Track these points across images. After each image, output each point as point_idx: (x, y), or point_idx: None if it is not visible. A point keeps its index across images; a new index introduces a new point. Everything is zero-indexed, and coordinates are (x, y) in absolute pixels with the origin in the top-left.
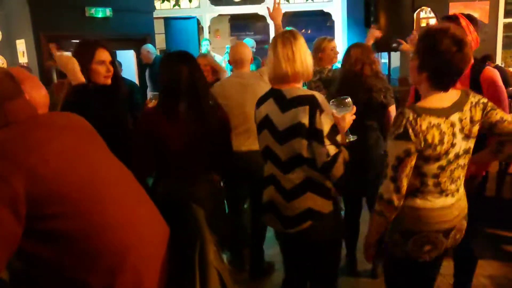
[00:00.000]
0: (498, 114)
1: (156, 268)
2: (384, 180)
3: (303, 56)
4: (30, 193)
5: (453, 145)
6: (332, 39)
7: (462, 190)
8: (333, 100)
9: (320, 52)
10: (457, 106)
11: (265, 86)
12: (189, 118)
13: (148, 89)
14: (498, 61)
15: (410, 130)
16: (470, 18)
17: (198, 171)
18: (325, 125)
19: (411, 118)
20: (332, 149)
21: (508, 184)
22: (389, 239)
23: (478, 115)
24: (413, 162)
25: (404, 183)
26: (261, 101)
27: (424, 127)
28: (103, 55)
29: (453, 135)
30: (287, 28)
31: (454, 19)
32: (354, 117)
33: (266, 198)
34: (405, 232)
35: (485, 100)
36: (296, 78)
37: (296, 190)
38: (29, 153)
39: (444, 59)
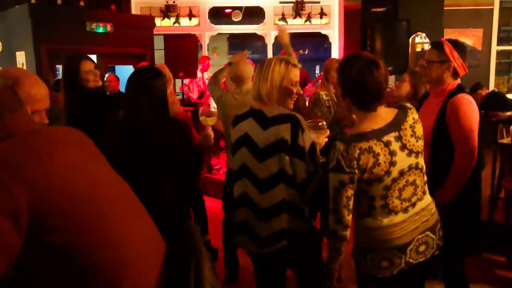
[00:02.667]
0: None
1: (153, 284)
2: (329, 212)
3: (275, 81)
4: (32, 206)
5: (392, 163)
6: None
7: (422, 204)
8: (309, 121)
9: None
10: (393, 126)
11: None
12: (151, 128)
13: None
14: (492, 87)
15: (342, 162)
16: (455, 44)
17: (161, 181)
18: (307, 143)
19: (341, 149)
20: (311, 167)
21: (500, 208)
22: (354, 257)
23: (420, 131)
24: (350, 192)
25: (344, 213)
26: (239, 119)
27: (355, 154)
28: (88, 65)
29: (391, 153)
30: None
31: (439, 45)
32: (326, 139)
33: (238, 219)
34: (363, 251)
35: None
36: (271, 100)
37: (272, 209)
38: (32, 165)
39: (357, 82)
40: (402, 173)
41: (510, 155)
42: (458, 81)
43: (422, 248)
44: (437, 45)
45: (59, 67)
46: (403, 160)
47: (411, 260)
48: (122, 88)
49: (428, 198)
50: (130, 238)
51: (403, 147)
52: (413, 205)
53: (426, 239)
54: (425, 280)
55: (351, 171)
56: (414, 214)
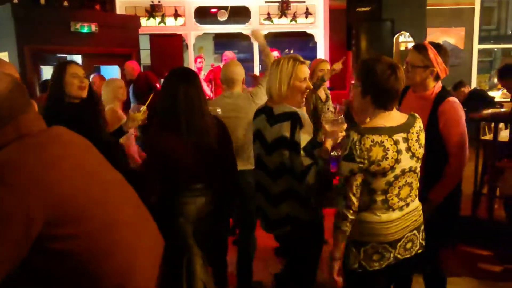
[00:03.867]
0: None
1: (154, 283)
2: (339, 196)
3: (283, 80)
4: (45, 213)
5: (398, 160)
6: (324, 60)
7: (414, 205)
8: (326, 115)
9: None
10: (403, 128)
11: (255, 108)
12: (191, 133)
13: (132, 105)
14: (474, 85)
15: (354, 151)
16: (438, 47)
17: (201, 185)
18: (303, 139)
19: (355, 139)
20: (306, 160)
21: (483, 204)
22: (345, 249)
23: (423, 140)
24: (358, 181)
25: (353, 200)
26: (256, 115)
27: (367, 145)
28: (75, 68)
29: (398, 152)
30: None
31: (422, 48)
32: (343, 133)
33: (258, 203)
34: (357, 243)
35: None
36: (280, 98)
37: (280, 196)
38: (45, 171)
39: (382, 81)
40: (403, 172)
41: (492, 151)
42: (440, 83)
43: (409, 245)
44: (420, 49)
45: (43, 68)
46: (406, 161)
47: (398, 256)
48: None
49: (417, 201)
50: (138, 243)
51: (408, 149)
52: (407, 205)
53: (413, 238)
54: (410, 276)
55: (361, 161)
56: (407, 213)
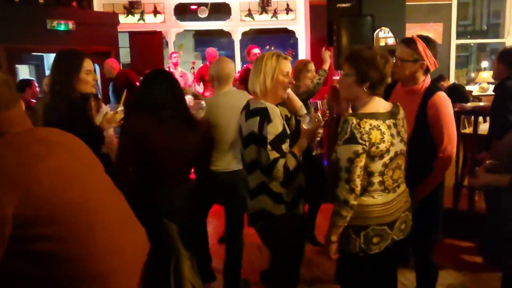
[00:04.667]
0: None
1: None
2: (340, 182)
3: (267, 74)
4: (19, 213)
5: (392, 144)
6: (309, 61)
7: (403, 187)
8: (304, 114)
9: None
10: (391, 114)
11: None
12: (177, 126)
13: (111, 103)
14: (452, 79)
15: (356, 133)
16: (427, 40)
17: (180, 179)
18: (270, 133)
19: (355, 123)
20: (273, 154)
21: (464, 196)
22: (342, 236)
23: (406, 127)
24: (363, 163)
25: (357, 183)
26: (241, 111)
27: (367, 128)
28: (89, 64)
29: (392, 135)
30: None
31: (411, 41)
32: (321, 131)
33: (244, 196)
34: (356, 228)
35: None
36: (264, 93)
37: (255, 190)
38: (22, 170)
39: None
40: (396, 154)
41: (472, 144)
42: (429, 78)
43: (403, 226)
44: (409, 43)
45: (19, 67)
46: (397, 144)
47: (395, 237)
48: None
49: (405, 184)
50: (118, 247)
51: (398, 133)
52: (399, 186)
53: (406, 219)
54: (401, 257)
55: (364, 142)
56: (399, 194)
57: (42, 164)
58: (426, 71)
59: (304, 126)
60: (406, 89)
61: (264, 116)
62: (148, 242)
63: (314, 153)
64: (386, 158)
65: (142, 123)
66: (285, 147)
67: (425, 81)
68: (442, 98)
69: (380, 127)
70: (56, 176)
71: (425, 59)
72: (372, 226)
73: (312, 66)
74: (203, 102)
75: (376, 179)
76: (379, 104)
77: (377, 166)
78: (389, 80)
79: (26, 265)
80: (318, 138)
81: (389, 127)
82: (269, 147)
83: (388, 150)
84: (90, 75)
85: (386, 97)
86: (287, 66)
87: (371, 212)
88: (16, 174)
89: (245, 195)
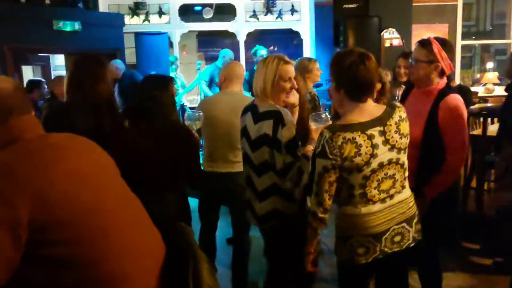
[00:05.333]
0: None
1: None
2: (312, 195)
3: (268, 78)
4: (33, 218)
5: (373, 155)
6: (314, 60)
7: (400, 197)
8: (312, 114)
9: (307, 73)
10: (378, 121)
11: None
12: (156, 135)
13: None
14: (458, 80)
15: (327, 148)
16: (443, 43)
17: (163, 189)
18: (285, 137)
19: (327, 137)
20: (287, 158)
21: (472, 198)
22: (334, 244)
23: (406, 129)
24: (332, 178)
25: (325, 197)
26: (244, 112)
27: (339, 143)
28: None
29: (373, 146)
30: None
31: (427, 43)
32: None
33: (246, 197)
34: (342, 237)
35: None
36: (265, 96)
37: (265, 192)
38: (35, 176)
39: (350, 73)
40: (381, 165)
41: (481, 146)
42: (445, 80)
43: (397, 238)
44: (425, 44)
45: (24, 68)
46: (384, 154)
47: (386, 249)
48: None
49: (407, 192)
50: (132, 251)
51: (386, 141)
52: (391, 197)
53: (402, 230)
54: (405, 271)
55: (334, 158)
56: (391, 206)
57: (54, 169)
58: (441, 73)
59: (313, 125)
60: (420, 91)
61: (278, 119)
62: (164, 246)
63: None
64: (367, 171)
65: (125, 134)
66: (298, 150)
67: (439, 83)
68: (454, 100)
69: (356, 140)
70: (69, 180)
71: (440, 61)
72: (355, 236)
73: (316, 65)
74: (200, 113)
75: (357, 192)
76: (363, 112)
77: (356, 179)
78: (378, 85)
79: (40, 271)
80: None
81: (370, 137)
82: (284, 151)
83: (367, 163)
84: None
85: (403, 99)
86: (288, 71)
87: (353, 222)
88: (29, 179)
89: (248, 198)
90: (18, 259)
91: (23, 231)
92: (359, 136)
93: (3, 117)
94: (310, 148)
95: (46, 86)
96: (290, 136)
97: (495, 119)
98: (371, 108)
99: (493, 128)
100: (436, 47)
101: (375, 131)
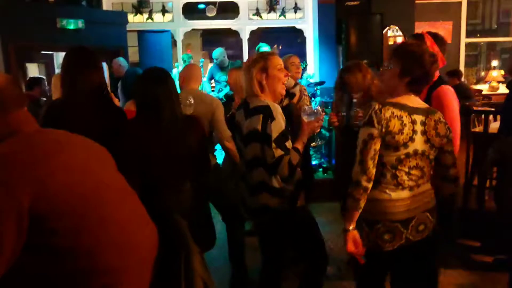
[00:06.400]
0: (450, 146)
1: (147, 284)
2: (355, 164)
3: (255, 79)
4: (33, 207)
5: (412, 139)
6: (292, 55)
7: (425, 187)
8: (305, 107)
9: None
10: (422, 111)
11: None
12: (168, 128)
13: (120, 103)
14: (462, 78)
15: (374, 117)
16: (435, 37)
17: (179, 180)
18: (274, 131)
19: (376, 108)
20: (278, 152)
21: (474, 195)
22: (359, 229)
23: (443, 131)
24: (377, 146)
25: (370, 165)
26: (237, 108)
27: (387, 115)
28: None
29: (413, 131)
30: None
31: (420, 37)
32: (321, 124)
33: (240, 192)
34: (369, 222)
35: (450, 128)
36: (262, 95)
37: (256, 187)
38: (37, 165)
39: (425, 68)
40: (415, 153)
41: (483, 143)
42: (438, 73)
43: (421, 227)
44: (418, 37)
45: (28, 66)
46: (420, 142)
47: (410, 237)
48: None
49: (429, 185)
50: (130, 243)
51: (424, 132)
52: (418, 186)
53: (425, 220)
54: (431, 260)
55: (379, 127)
56: (418, 194)
57: (55, 160)
58: None
59: (305, 119)
60: None
61: (267, 114)
62: (158, 239)
63: (313, 145)
64: (402, 152)
65: (135, 129)
66: (288, 143)
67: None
68: (445, 91)
69: (403, 118)
70: (69, 171)
71: None
72: (382, 221)
73: (294, 59)
74: (191, 99)
75: (389, 172)
76: (413, 100)
77: (391, 158)
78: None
79: (38, 260)
80: (318, 130)
81: (413, 121)
82: (273, 145)
83: (405, 144)
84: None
85: None
86: (278, 61)
87: (382, 207)
88: (30, 168)
89: (241, 192)
90: (20, 248)
91: (25, 220)
92: (406, 116)
93: (1, 111)
94: (302, 141)
95: (46, 83)
96: (279, 129)
97: (498, 116)
98: (418, 100)
99: (495, 126)
100: (428, 40)
101: (418, 118)
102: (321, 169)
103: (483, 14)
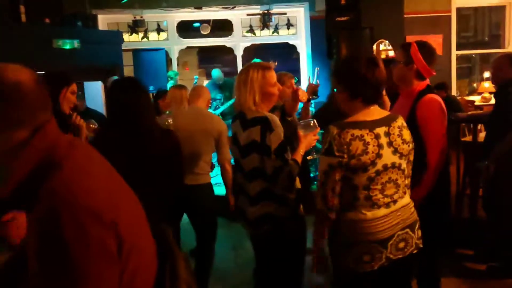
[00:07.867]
0: (412, 156)
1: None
2: (317, 193)
3: (256, 90)
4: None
5: (379, 155)
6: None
7: (402, 202)
8: (301, 121)
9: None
10: (384, 121)
11: None
12: (128, 143)
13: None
14: (454, 91)
15: (333, 145)
16: (422, 46)
17: (158, 188)
18: (273, 142)
19: (334, 133)
20: (277, 162)
21: (466, 204)
22: (333, 251)
23: (408, 136)
24: (337, 176)
25: (331, 196)
26: (233, 119)
27: (347, 139)
28: (75, 87)
29: (379, 146)
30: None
31: (407, 45)
32: (317, 137)
33: (238, 205)
34: (344, 244)
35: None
36: (256, 107)
37: (257, 197)
38: (109, 206)
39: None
40: (385, 167)
41: (472, 152)
42: (427, 81)
43: (401, 244)
44: (405, 46)
45: None
46: (388, 156)
47: (391, 256)
48: (89, 103)
49: (408, 198)
50: (141, 246)
51: (390, 143)
52: (395, 202)
53: (406, 236)
54: (408, 278)
55: (341, 155)
56: (395, 210)
57: (115, 194)
58: (419, 75)
59: (302, 132)
60: (403, 94)
61: (266, 125)
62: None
63: (308, 158)
64: (372, 171)
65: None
66: (287, 155)
67: (419, 85)
68: (431, 100)
69: (364, 138)
70: (121, 202)
71: (415, 62)
72: (361, 243)
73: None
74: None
75: (362, 194)
76: (373, 112)
77: (361, 179)
78: (384, 84)
79: None
80: (314, 143)
81: (377, 136)
82: (273, 156)
83: (372, 162)
84: (74, 96)
85: (390, 109)
86: (272, 76)
87: (359, 228)
88: (104, 210)
89: (240, 205)
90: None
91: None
92: (367, 134)
93: (31, 119)
94: (300, 153)
95: None
96: (278, 141)
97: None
98: (377, 110)
99: (483, 135)
100: (413, 48)
101: (381, 130)
102: (315, 182)
103: (475, 27)
